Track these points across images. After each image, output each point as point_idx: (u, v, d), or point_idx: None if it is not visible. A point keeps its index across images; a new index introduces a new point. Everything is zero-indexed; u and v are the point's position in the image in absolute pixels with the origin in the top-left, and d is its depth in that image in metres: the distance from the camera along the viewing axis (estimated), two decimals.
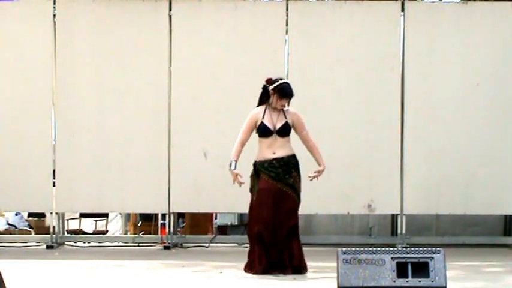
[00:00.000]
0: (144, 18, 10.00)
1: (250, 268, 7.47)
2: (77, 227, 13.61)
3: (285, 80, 7.71)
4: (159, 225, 10.70)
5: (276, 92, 7.49)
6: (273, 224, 7.38)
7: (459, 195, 9.93)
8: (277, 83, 7.53)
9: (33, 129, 9.93)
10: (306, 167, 7.64)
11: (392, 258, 5.81)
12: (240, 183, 7.48)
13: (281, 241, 7.39)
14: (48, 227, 10.80)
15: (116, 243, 10.57)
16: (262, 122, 7.48)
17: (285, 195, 7.42)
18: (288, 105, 7.57)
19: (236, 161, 7.50)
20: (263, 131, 7.48)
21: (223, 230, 11.76)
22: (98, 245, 10.46)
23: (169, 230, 10.09)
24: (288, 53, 9.97)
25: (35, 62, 9.96)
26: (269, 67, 9.30)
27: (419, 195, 9.94)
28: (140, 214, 12.27)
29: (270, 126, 7.47)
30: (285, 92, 7.50)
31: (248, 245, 7.64)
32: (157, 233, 10.92)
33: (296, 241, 7.47)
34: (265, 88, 7.57)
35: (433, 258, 5.80)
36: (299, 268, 7.43)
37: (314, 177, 7.60)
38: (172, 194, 9.94)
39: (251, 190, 7.54)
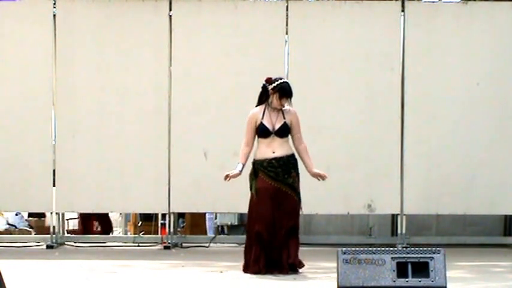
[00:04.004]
0: (144, 18, 10.00)
1: (246, 268, 7.47)
2: (77, 227, 13.58)
3: (285, 80, 7.71)
4: (159, 225, 10.68)
5: (276, 92, 7.50)
6: (272, 224, 7.38)
7: (459, 195, 9.93)
8: (276, 83, 7.54)
9: (33, 129, 9.93)
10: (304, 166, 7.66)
11: (392, 258, 5.81)
12: (228, 178, 7.49)
13: (280, 241, 7.38)
14: (48, 227, 10.79)
15: (116, 243, 10.56)
16: (261, 123, 7.49)
17: (284, 195, 7.42)
18: (289, 104, 7.58)
19: (244, 164, 7.51)
20: (262, 132, 7.48)
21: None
22: (98, 245, 10.46)
23: (169, 230, 10.08)
24: (288, 53, 9.96)
25: (35, 62, 9.96)
26: (269, 67, 9.30)
27: (419, 195, 9.94)
28: (140, 214, 12.24)
29: (269, 127, 7.47)
30: (284, 91, 7.51)
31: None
32: (157, 233, 10.89)
33: (294, 240, 7.45)
34: (264, 87, 7.57)
35: (433, 258, 5.80)
36: (293, 265, 7.41)
37: (322, 178, 7.63)
38: (172, 194, 9.94)
39: (250, 189, 7.55)
